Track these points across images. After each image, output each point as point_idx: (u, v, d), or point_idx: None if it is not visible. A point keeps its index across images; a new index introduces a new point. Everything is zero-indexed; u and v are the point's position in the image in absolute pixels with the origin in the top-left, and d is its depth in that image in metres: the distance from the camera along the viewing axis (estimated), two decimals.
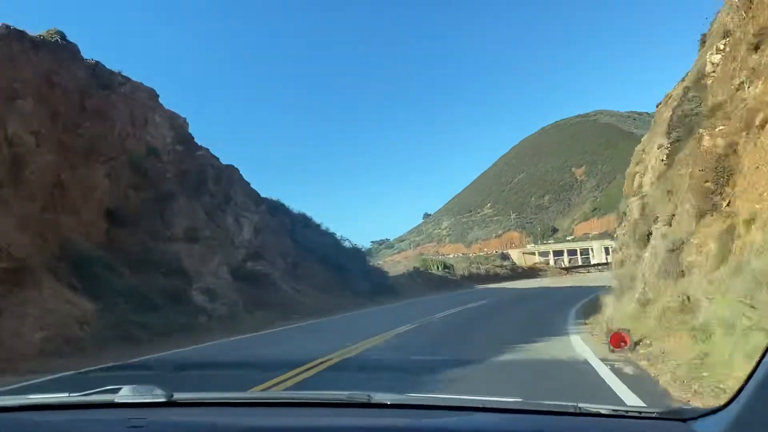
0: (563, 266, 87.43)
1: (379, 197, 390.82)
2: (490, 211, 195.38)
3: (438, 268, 45.06)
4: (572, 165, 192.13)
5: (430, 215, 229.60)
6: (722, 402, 1.51)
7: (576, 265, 79.26)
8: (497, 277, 41.78)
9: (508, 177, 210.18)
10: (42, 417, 1.87)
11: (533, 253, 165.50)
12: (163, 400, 1.87)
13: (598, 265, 55.62)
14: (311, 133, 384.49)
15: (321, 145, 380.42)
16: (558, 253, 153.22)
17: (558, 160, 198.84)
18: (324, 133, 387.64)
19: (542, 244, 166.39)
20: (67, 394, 2.04)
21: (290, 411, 1.93)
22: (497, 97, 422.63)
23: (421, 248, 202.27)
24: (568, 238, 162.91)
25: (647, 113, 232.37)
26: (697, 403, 5.73)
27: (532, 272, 44.05)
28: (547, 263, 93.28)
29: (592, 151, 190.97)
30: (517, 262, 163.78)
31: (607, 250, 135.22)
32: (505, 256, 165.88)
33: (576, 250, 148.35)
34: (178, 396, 1.92)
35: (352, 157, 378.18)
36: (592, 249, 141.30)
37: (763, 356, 1.41)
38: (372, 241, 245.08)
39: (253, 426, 1.76)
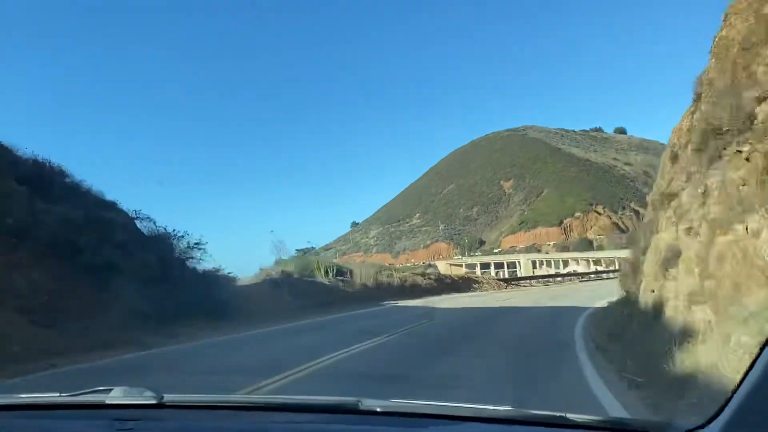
0: (503, 277, 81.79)
1: (306, 204, 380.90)
2: (418, 221, 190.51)
3: (327, 273, 30.60)
4: (501, 178, 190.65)
5: (358, 224, 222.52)
6: (705, 419, 1.50)
7: (520, 276, 72.00)
8: (417, 290, 29.41)
9: (437, 188, 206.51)
10: (30, 417, 1.86)
11: (460, 265, 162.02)
12: (153, 402, 1.88)
13: (575, 274, 48.66)
14: (226, 138, 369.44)
15: (235, 149, 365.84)
16: (485, 266, 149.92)
17: (487, 172, 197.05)
18: (242, 139, 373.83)
19: (470, 255, 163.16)
20: (57, 394, 2.04)
21: (280, 416, 1.92)
22: (430, 107, 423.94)
23: (347, 257, 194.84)
24: (495, 251, 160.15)
25: (574, 131, 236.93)
26: None
27: (463, 284, 33.29)
28: (475, 275, 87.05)
29: (520, 165, 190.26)
30: (443, 273, 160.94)
31: (534, 263, 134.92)
32: (432, 267, 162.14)
33: (503, 263, 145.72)
34: (168, 398, 1.91)
35: (272, 161, 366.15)
36: (519, 262, 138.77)
37: (747, 372, 1.41)
38: (297, 249, 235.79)
39: (243, 430, 1.78)
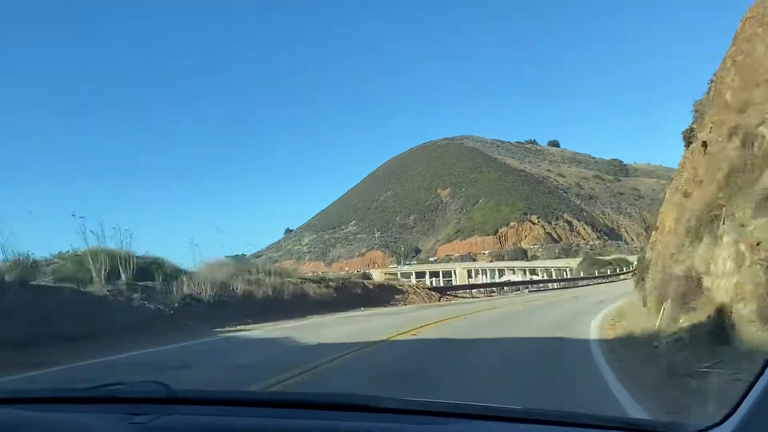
0: (437, 285, 76.34)
1: (242, 211, 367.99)
2: (354, 228, 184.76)
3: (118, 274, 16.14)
4: (438, 186, 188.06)
5: (292, 231, 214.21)
6: (719, 418, 1.51)
7: (456, 284, 66.61)
8: (301, 304, 19.19)
9: (374, 195, 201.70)
10: (45, 410, 1.88)
11: (395, 274, 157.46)
12: (164, 396, 1.91)
13: (513, 284, 43.05)
14: (157, 143, 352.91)
15: (168, 154, 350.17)
16: (420, 275, 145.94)
17: (424, 180, 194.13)
18: (172, 142, 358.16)
19: (405, 264, 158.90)
20: (72, 388, 2.12)
21: (292, 412, 1.92)
22: (369, 115, 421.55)
23: (278, 265, 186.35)
24: (431, 259, 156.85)
25: (510, 142, 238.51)
26: None
27: (381, 294, 23.72)
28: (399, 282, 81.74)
29: (457, 174, 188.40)
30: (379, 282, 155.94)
31: (469, 272, 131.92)
32: (367, 276, 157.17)
33: (439, 272, 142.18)
34: (180, 393, 1.96)
35: (206, 166, 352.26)
36: (454, 271, 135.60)
37: (760, 373, 1.41)
38: (226, 256, 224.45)
39: (254, 426, 1.77)
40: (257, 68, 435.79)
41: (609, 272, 53.34)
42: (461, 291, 30.13)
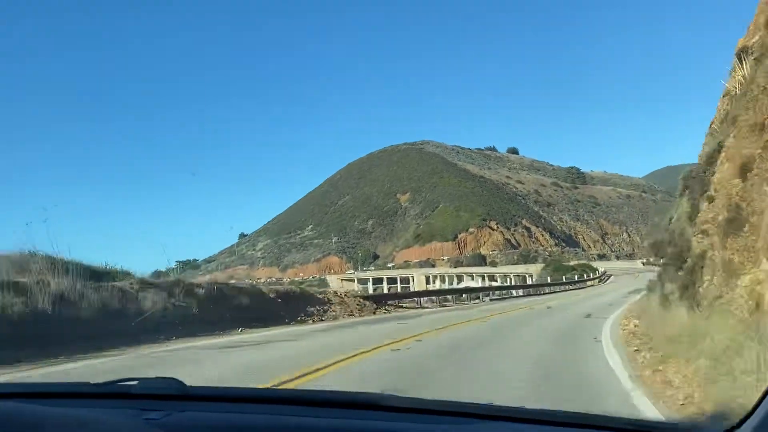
0: (380, 292, 70.43)
1: (195, 215, 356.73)
2: (311, 233, 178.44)
3: None
4: (397, 191, 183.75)
5: (246, 235, 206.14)
6: (737, 419, 1.48)
7: (412, 290, 61.36)
8: (123, 322, 11.60)
9: (332, 199, 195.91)
10: (60, 405, 1.87)
11: (352, 280, 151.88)
12: (178, 393, 1.92)
13: (472, 290, 36.93)
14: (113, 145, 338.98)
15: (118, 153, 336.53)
16: (378, 281, 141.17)
17: (384, 185, 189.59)
18: (125, 144, 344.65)
19: (363, 270, 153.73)
20: (84, 383, 2.12)
21: (302, 409, 1.91)
22: (329, 119, 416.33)
23: (231, 270, 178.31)
24: (389, 265, 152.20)
25: (470, 148, 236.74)
26: None
27: (283, 307, 16.83)
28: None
29: (417, 179, 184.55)
30: (336, 289, 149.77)
31: (427, 278, 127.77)
32: (324, 282, 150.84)
33: (396, 278, 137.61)
34: (193, 389, 1.96)
35: (158, 169, 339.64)
36: (412, 277, 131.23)
37: None
38: (177, 261, 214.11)
39: (267, 423, 1.78)
40: (222, 74, 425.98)
41: (576, 278, 49.44)
42: (407, 300, 24.15)
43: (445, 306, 24.59)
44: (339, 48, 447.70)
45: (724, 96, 11.60)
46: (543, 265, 73.76)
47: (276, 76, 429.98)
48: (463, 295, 30.04)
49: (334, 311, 16.59)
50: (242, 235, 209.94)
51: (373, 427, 1.74)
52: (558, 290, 40.44)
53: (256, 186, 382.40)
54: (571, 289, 42.23)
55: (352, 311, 17.01)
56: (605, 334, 10.86)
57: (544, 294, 35.67)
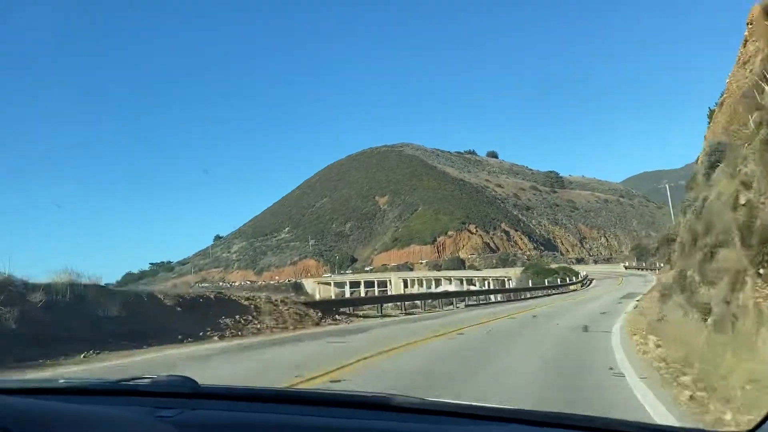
0: (333, 297, 66.38)
1: (171, 217, 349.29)
2: (287, 235, 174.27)
3: None
4: (376, 193, 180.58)
5: (222, 237, 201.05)
6: (749, 427, 1.47)
7: (368, 296, 58.02)
8: None
9: (310, 201, 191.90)
10: (73, 401, 1.88)
11: (329, 283, 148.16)
12: (190, 391, 1.93)
13: (446, 295, 33.08)
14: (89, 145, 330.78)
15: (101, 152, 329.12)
16: (355, 284, 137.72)
17: (362, 187, 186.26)
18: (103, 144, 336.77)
19: (340, 273, 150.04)
20: (98, 380, 2.12)
21: (313, 409, 1.91)
22: (308, 121, 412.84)
23: (205, 273, 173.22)
24: (367, 269, 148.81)
25: (449, 152, 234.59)
26: None
27: (183, 318, 12.33)
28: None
29: (396, 181, 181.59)
30: (311, 292, 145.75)
31: (405, 282, 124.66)
32: (299, 286, 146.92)
33: (374, 282, 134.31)
34: (205, 388, 1.96)
35: (135, 171, 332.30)
36: (390, 281, 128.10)
37: None
38: (151, 263, 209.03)
39: (279, 422, 1.79)
40: (207, 76, 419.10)
41: (559, 281, 46.48)
42: (368, 306, 20.82)
43: (411, 314, 20.96)
44: (318, 51, 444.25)
45: None
46: (523, 268, 70.96)
47: (260, 79, 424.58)
48: (435, 301, 26.22)
49: (258, 323, 12.63)
50: (218, 237, 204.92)
51: (383, 427, 1.74)
52: (540, 294, 37.55)
53: (235, 188, 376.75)
54: (553, 294, 39.38)
55: (286, 323, 13.11)
56: (621, 361, 7.65)
57: (525, 299, 32.70)
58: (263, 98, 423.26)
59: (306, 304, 16.01)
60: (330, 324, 14.68)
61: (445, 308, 24.83)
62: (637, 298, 23.82)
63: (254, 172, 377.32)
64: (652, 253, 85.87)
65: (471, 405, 1.87)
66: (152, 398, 1.89)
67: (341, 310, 17.67)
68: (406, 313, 21.28)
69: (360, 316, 17.97)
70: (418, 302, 24.33)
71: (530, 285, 43.60)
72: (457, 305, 25.92)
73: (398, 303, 23.28)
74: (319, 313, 15.17)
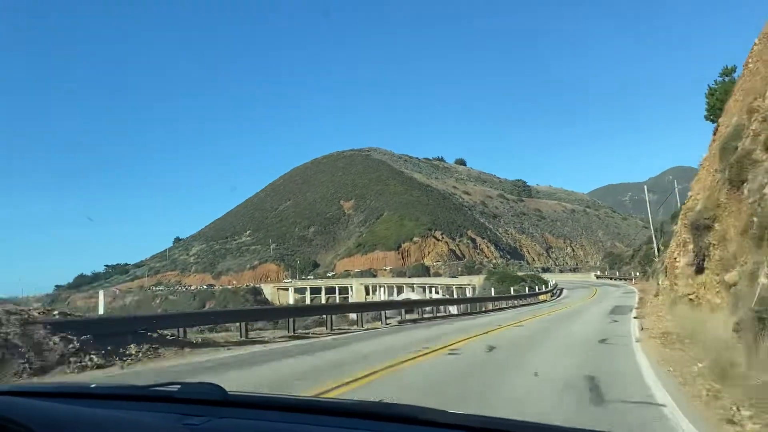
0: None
1: (131, 218, 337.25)
2: (248, 239, 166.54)
3: None
4: (341, 197, 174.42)
5: (182, 240, 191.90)
6: None
7: (307, 304, 51.75)
8: None
9: (273, 204, 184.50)
10: (102, 406, 1.88)
11: (287, 289, 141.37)
12: (219, 399, 1.91)
13: (404, 304, 26.97)
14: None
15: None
16: (316, 290, 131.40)
17: (327, 191, 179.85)
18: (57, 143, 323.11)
19: (301, 279, 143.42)
20: (126, 385, 2.13)
21: (344, 421, 1.86)
22: (277, 124, 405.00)
23: (161, 276, 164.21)
24: (329, 274, 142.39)
25: (417, 158, 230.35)
26: None
27: None
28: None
29: (362, 185, 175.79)
30: (270, 299, 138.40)
31: (367, 289, 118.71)
32: (257, 291, 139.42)
33: (335, 288, 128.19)
34: (233, 396, 1.94)
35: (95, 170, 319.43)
36: (351, 287, 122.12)
37: None
38: (106, 265, 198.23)
39: None
40: (174, 76, 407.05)
41: (527, 290, 40.93)
42: (262, 332, 13.18)
43: (302, 337, 14.01)
44: (291, 56, 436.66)
45: None
46: (486, 275, 65.58)
47: (230, 80, 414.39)
48: (367, 314, 19.53)
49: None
50: (177, 240, 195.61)
51: None
52: (504, 306, 32.12)
53: (201, 191, 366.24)
54: (520, 305, 33.97)
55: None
56: None
57: (488, 312, 27.07)
58: (233, 100, 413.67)
59: (59, 324, 8.59)
60: (84, 367, 7.78)
61: (367, 325, 18.11)
62: (632, 315, 18.54)
63: (221, 174, 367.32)
64: (626, 262, 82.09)
65: (507, 420, 1.80)
66: (180, 405, 1.86)
67: (157, 333, 10.49)
68: (293, 336, 14.39)
69: (196, 344, 11.14)
70: (353, 315, 17.34)
71: (493, 294, 37.94)
72: (387, 322, 19.42)
73: (308, 318, 16.37)
74: (75, 344, 8.09)
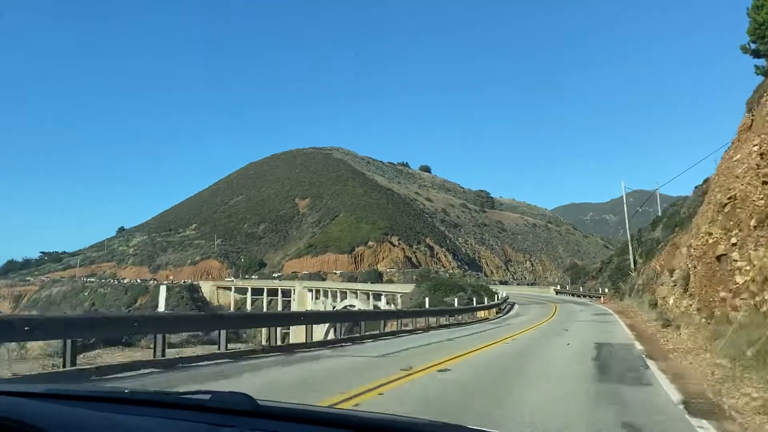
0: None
1: (77, 205, 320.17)
2: (193, 233, 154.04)
3: None
4: (297, 195, 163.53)
5: (125, 230, 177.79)
6: None
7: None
8: None
9: (224, 198, 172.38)
10: (132, 412, 1.87)
11: (229, 288, 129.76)
12: (249, 409, 1.86)
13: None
14: None
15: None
16: (258, 291, 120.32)
17: (283, 187, 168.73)
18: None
19: (244, 278, 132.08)
20: (159, 392, 2.08)
21: None
22: (235, 120, 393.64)
23: (96, 266, 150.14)
24: (275, 275, 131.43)
25: (382, 162, 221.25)
26: None
27: None
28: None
29: (320, 184, 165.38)
30: (208, 297, 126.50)
31: (312, 293, 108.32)
32: (194, 289, 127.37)
33: (278, 290, 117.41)
34: (265, 407, 1.89)
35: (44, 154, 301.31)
36: (294, 290, 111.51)
37: None
38: (42, 252, 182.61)
39: None
40: (131, 66, 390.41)
41: (466, 303, 30.87)
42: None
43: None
44: (260, 51, 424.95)
45: None
46: (416, 282, 55.78)
47: (198, 76, 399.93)
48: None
49: None
50: (121, 230, 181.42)
51: None
52: (418, 328, 22.25)
53: (157, 182, 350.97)
54: (448, 325, 24.28)
55: None
56: None
57: (377, 337, 17.43)
58: (194, 94, 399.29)
59: None
60: None
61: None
62: (643, 363, 9.22)
63: (176, 166, 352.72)
64: (592, 276, 72.62)
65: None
66: (211, 414, 1.81)
67: None
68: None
69: None
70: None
71: (427, 306, 28.23)
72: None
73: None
74: None
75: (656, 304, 17.25)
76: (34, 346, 11.21)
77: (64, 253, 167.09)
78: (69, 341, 9.12)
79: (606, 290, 48.64)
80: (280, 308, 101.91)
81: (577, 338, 15.94)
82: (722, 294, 9.94)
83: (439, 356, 11.20)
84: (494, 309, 33.94)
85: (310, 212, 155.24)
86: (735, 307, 9.10)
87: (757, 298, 8.38)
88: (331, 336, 23.31)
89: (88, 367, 9.39)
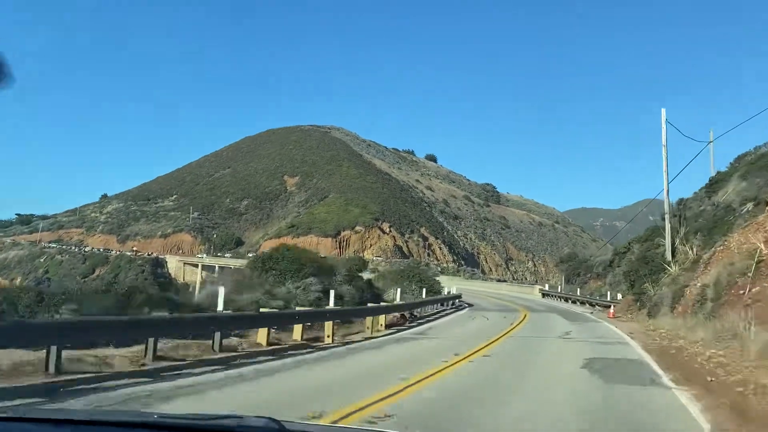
0: None
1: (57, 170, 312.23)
2: (171, 203, 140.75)
3: None
4: (286, 173, 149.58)
5: (107, 197, 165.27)
6: None
7: None
8: None
9: (209, 170, 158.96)
10: None
11: (197, 265, 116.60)
12: (275, 426, 1.88)
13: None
14: None
15: None
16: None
17: (272, 163, 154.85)
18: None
19: (215, 256, 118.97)
20: (185, 415, 2.06)
21: None
22: (237, 95, 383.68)
23: (64, 232, 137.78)
24: (250, 255, 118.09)
25: (385, 147, 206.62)
26: None
27: None
28: None
29: (312, 162, 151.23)
30: (173, 274, 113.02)
31: None
32: (159, 263, 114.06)
33: None
34: (289, 428, 1.90)
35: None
36: None
37: None
38: (17, 214, 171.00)
39: None
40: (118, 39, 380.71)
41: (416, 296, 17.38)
42: None
43: None
44: (271, 30, 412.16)
45: None
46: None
47: (216, 53, 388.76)
48: None
49: None
50: (104, 197, 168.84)
51: None
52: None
53: (158, 151, 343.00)
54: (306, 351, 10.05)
55: None
56: None
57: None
58: (194, 65, 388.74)
59: None
60: None
61: None
62: None
63: (175, 138, 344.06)
64: (597, 274, 47.67)
65: None
66: None
67: None
68: None
69: None
70: None
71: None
72: None
73: None
74: None
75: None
76: None
77: (34, 216, 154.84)
78: None
79: (619, 295, 33.42)
80: None
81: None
82: None
83: None
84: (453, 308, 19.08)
85: (299, 191, 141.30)
86: None
87: None
88: None
89: None
